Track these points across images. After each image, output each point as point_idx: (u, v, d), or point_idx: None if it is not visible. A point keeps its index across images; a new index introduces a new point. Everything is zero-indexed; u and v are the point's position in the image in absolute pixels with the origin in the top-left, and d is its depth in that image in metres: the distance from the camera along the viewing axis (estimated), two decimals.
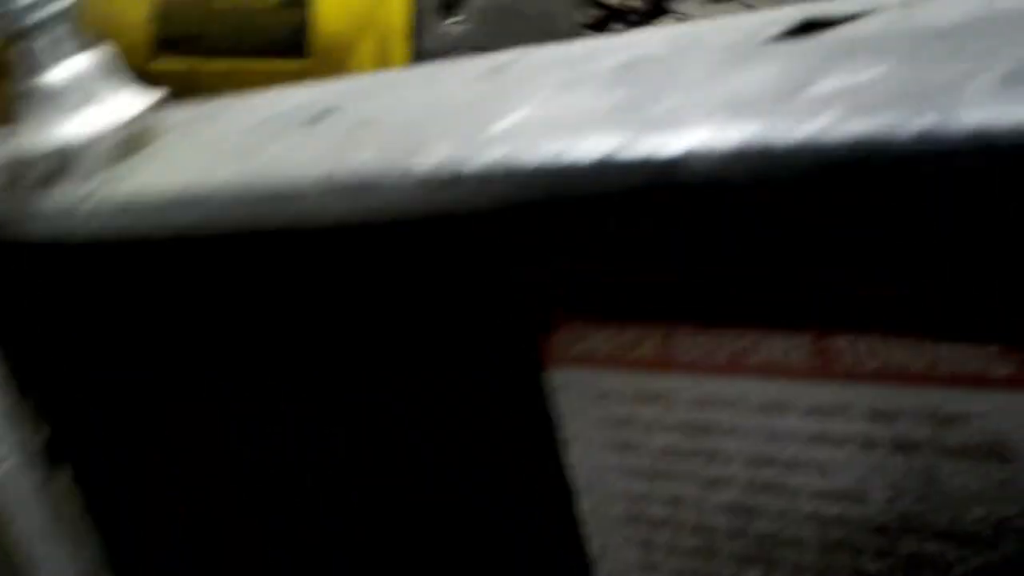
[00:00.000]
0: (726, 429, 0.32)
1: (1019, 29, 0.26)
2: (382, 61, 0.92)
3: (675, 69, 0.32)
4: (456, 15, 0.94)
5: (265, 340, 0.39)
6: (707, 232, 0.29)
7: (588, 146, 0.28)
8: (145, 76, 0.87)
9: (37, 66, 0.40)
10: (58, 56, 0.40)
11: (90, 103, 0.40)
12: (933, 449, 0.28)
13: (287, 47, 0.90)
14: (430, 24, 0.94)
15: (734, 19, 0.34)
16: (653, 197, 0.28)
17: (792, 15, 0.31)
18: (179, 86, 0.89)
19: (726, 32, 0.33)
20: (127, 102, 0.41)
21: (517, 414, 0.36)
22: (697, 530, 0.33)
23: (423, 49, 0.94)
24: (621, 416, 0.34)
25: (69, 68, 0.40)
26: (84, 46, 0.40)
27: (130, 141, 0.40)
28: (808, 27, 0.30)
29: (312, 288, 0.36)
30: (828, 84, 0.26)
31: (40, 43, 0.39)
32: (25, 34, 0.39)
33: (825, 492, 0.30)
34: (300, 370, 0.39)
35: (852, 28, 0.30)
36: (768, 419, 0.31)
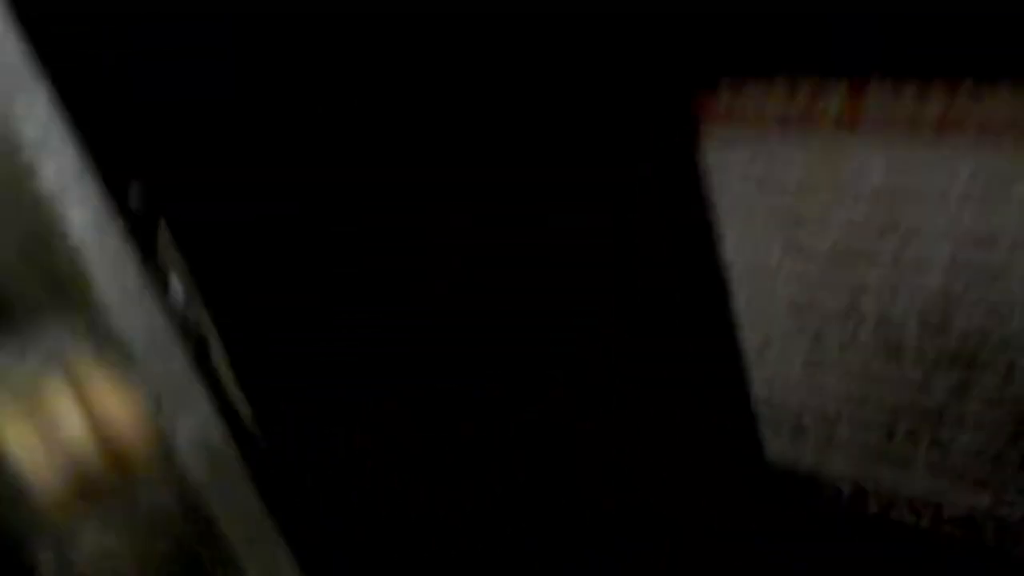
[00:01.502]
0: (927, 198, 0.25)
1: None
2: None
3: None
4: None
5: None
6: None
7: None
8: None
9: None
10: None
11: None
12: None
13: None
14: None
15: None
16: None
17: None
18: None
19: None
20: None
21: (672, 178, 0.30)
22: (882, 324, 0.27)
23: None
24: (791, 184, 0.28)
25: None
26: None
27: None
28: None
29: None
30: None
31: None
32: None
33: None
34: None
35: None
36: (985, 189, 0.24)
